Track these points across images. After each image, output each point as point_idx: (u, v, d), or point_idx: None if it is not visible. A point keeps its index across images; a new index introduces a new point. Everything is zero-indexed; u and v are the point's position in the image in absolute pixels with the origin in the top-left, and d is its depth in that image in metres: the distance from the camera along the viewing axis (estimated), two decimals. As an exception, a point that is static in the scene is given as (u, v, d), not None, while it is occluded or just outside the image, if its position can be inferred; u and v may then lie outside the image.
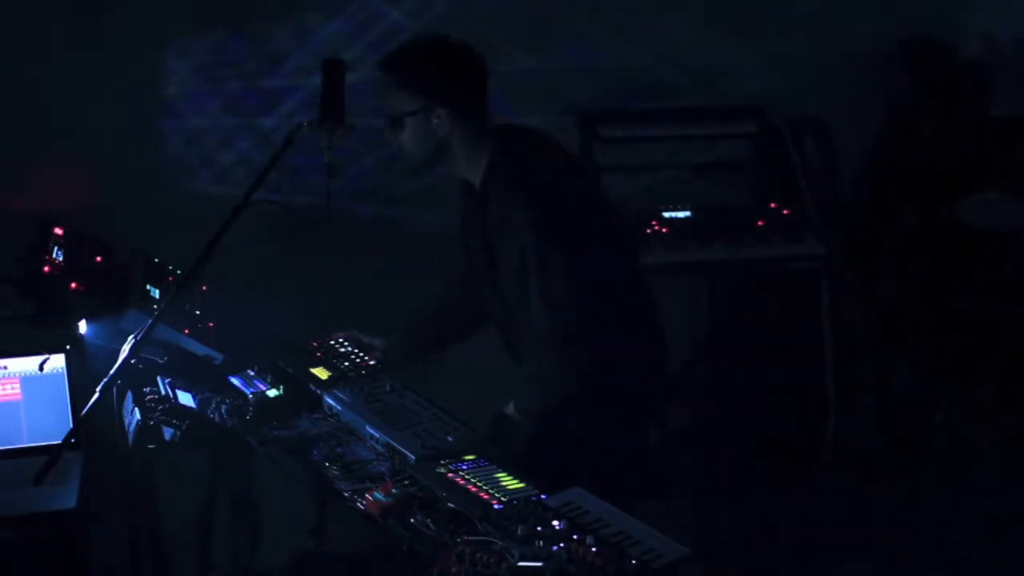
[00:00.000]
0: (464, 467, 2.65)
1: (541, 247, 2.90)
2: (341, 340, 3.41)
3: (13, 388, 3.15)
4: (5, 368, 3.15)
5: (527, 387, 2.99)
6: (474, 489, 2.54)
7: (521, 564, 2.24)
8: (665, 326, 3.20)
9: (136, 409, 3.00)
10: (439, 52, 3.05)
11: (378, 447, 2.83)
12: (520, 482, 2.58)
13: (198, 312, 3.46)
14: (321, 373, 3.18)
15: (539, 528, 2.36)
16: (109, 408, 3.01)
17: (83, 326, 3.29)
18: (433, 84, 2.99)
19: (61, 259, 3.43)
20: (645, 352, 3.11)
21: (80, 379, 3.15)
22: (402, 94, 3.02)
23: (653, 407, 3.31)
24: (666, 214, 4.54)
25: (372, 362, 3.29)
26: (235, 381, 3.21)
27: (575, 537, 2.32)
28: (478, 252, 3.12)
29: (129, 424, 3.03)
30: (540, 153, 3.10)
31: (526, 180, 2.98)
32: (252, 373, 3.24)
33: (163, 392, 3.08)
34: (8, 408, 3.14)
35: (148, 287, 3.44)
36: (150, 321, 2.87)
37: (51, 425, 3.12)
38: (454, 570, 2.24)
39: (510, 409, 3.03)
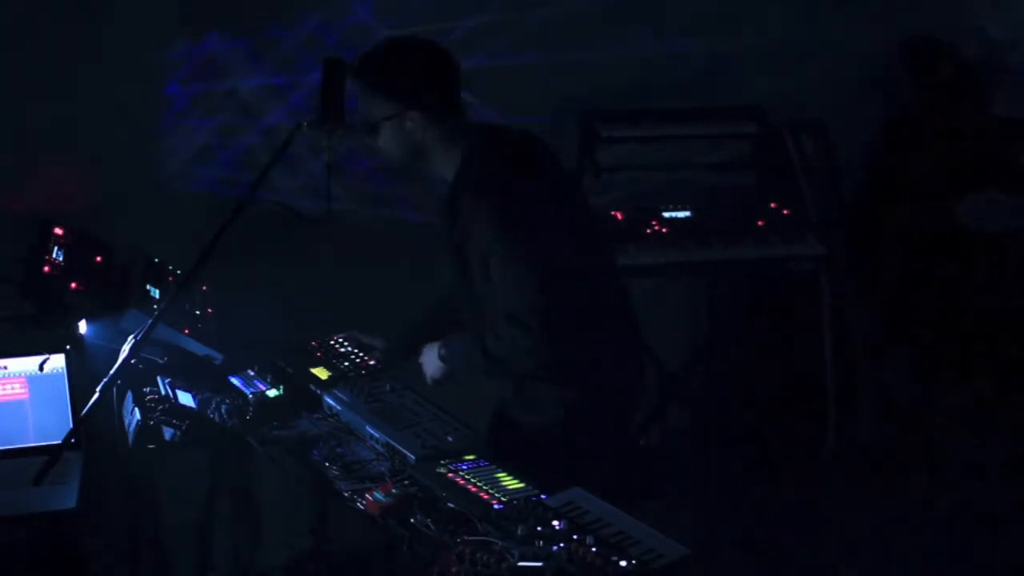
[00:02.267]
0: (464, 467, 2.66)
1: (504, 245, 2.90)
2: (341, 340, 3.41)
3: (19, 387, 3.15)
4: (5, 368, 3.15)
5: (473, 351, 3.00)
6: (474, 489, 2.54)
7: (521, 564, 2.24)
8: (639, 323, 3.22)
9: (136, 409, 3.00)
10: (408, 54, 3.05)
11: (378, 447, 2.83)
12: (520, 482, 2.58)
13: (198, 312, 3.46)
14: (321, 373, 3.18)
15: (539, 528, 2.36)
16: (109, 408, 3.01)
17: (83, 326, 3.30)
18: (404, 88, 3.00)
19: (61, 259, 3.43)
20: (616, 348, 3.12)
21: (80, 379, 3.15)
22: (374, 99, 3.03)
23: (628, 402, 3.30)
24: (666, 214, 4.53)
25: (372, 362, 3.29)
26: (235, 381, 3.21)
27: (575, 537, 2.32)
28: (450, 251, 3.12)
29: (129, 424, 3.03)
30: (509, 153, 3.08)
31: (490, 180, 2.99)
32: (252, 373, 3.24)
33: (163, 392, 3.09)
34: (14, 407, 3.14)
35: (148, 287, 3.44)
36: (150, 321, 2.87)
37: (55, 425, 3.12)
38: (454, 570, 2.24)
39: (437, 351, 3.08)
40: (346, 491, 2.65)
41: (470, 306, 3.11)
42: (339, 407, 3.03)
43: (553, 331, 2.89)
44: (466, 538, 2.36)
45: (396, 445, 2.77)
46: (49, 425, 3.13)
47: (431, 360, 3.13)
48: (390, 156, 3.09)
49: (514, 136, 3.17)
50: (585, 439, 3.02)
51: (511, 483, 2.57)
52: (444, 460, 2.69)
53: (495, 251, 2.92)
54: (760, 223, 4.57)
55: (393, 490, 2.54)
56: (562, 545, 2.30)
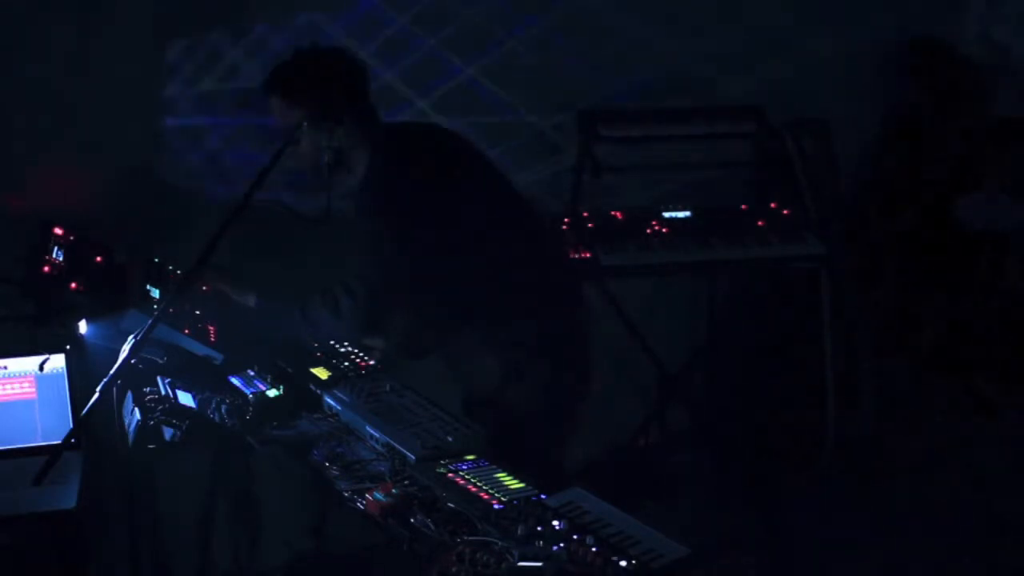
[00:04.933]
0: (464, 467, 2.66)
1: (367, 220, 3.03)
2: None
3: (28, 386, 3.15)
4: (5, 368, 3.15)
5: (296, 310, 3.13)
6: (474, 489, 2.54)
7: (521, 564, 2.24)
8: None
9: (136, 409, 3.00)
10: (316, 64, 3.12)
11: (378, 447, 2.83)
12: (520, 482, 2.58)
13: (198, 312, 3.46)
14: (321, 373, 3.18)
15: (539, 528, 2.36)
16: (109, 408, 3.01)
17: (83, 326, 3.29)
18: (316, 97, 3.06)
19: (61, 259, 3.43)
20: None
21: (80, 379, 3.15)
22: (289, 111, 3.10)
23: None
24: (666, 214, 4.53)
25: (372, 362, 3.29)
26: (235, 381, 3.21)
27: (575, 537, 2.32)
28: (370, 245, 3.17)
29: (129, 424, 3.03)
30: (408, 147, 3.14)
31: (385, 172, 3.06)
32: (252, 373, 3.24)
33: (163, 392, 3.08)
34: (22, 406, 3.14)
35: (148, 287, 3.44)
36: (150, 321, 2.87)
37: (56, 425, 3.12)
38: (454, 570, 2.24)
39: (251, 301, 3.21)
40: (346, 491, 2.65)
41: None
42: (339, 407, 3.03)
43: (377, 306, 3.03)
44: (466, 538, 2.35)
45: (396, 445, 2.77)
46: (51, 425, 3.13)
47: (242, 287, 3.25)
48: (311, 162, 3.15)
49: (420, 132, 3.28)
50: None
51: (511, 483, 2.57)
52: (444, 460, 2.69)
53: (359, 226, 3.03)
54: (760, 223, 4.57)
55: (393, 490, 2.54)
56: (562, 545, 2.30)
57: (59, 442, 2.99)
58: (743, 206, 4.67)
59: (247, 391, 3.12)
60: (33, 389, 3.15)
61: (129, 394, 3.11)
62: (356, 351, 3.35)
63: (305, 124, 3.07)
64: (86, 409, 2.73)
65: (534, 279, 3.20)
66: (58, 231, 3.51)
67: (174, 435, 2.90)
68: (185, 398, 3.06)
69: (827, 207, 4.65)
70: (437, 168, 3.15)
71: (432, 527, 2.42)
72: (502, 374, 3.14)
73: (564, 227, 4.36)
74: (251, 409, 3.01)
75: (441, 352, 3.25)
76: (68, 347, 3.20)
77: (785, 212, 4.62)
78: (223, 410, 3.01)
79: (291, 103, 3.09)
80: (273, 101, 3.13)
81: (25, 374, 3.15)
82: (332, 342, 3.29)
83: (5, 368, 3.15)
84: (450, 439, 2.80)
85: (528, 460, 2.74)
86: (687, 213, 4.56)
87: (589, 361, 3.31)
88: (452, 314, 3.14)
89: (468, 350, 3.18)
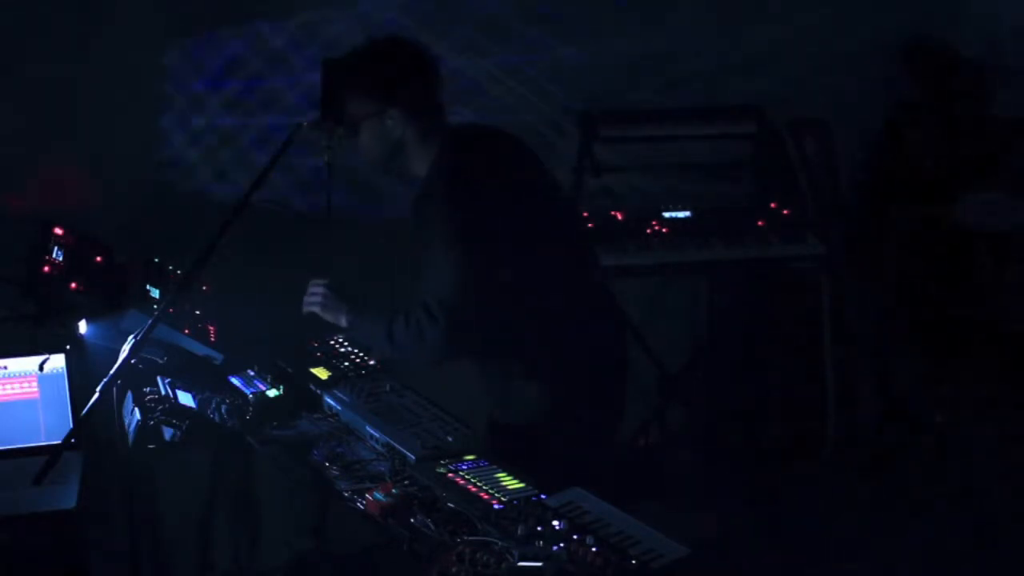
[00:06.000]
0: (464, 467, 2.66)
1: (442, 235, 2.89)
2: (341, 340, 3.41)
3: (32, 386, 3.15)
4: (5, 368, 3.15)
5: (378, 329, 3.00)
6: (474, 489, 2.54)
7: (521, 564, 2.24)
8: (624, 329, 3.21)
9: (136, 409, 3.00)
10: (386, 53, 3.07)
11: (378, 447, 2.83)
12: (520, 482, 2.58)
13: (198, 312, 3.46)
14: (321, 373, 3.18)
15: (539, 528, 2.36)
16: (109, 408, 3.01)
17: (83, 326, 3.29)
18: (383, 85, 3.02)
19: (61, 259, 3.43)
20: (580, 356, 3.07)
21: (80, 379, 3.15)
22: (354, 98, 3.05)
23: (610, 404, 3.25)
24: (666, 214, 4.54)
25: (372, 362, 3.29)
26: (235, 381, 3.21)
27: (575, 537, 2.32)
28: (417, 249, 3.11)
29: (129, 424, 3.03)
30: (478, 151, 3.08)
31: (453, 175, 2.98)
32: (252, 373, 3.24)
33: (163, 392, 3.09)
34: (25, 406, 3.14)
35: (148, 287, 3.44)
36: (150, 321, 2.87)
37: (57, 425, 3.12)
38: (454, 570, 2.24)
39: (343, 321, 3.11)
40: (346, 491, 2.65)
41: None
42: (339, 407, 3.03)
43: (460, 332, 2.88)
44: (466, 538, 2.35)
45: (396, 445, 2.77)
46: (55, 424, 3.13)
47: (335, 306, 3.14)
48: (370, 156, 3.10)
49: (488, 135, 3.18)
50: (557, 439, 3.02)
51: (511, 483, 2.57)
52: (444, 460, 2.69)
53: (432, 239, 2.92)
54: (760, 223, 4.57)
55: (393, 490, 2.54)
56: (562, 545, 2.30)
57: (56, 442, 3.00)
58: (743, 206, 4.67)
59: (247, 391, 3.12)
60: (36, 389, 3.15)
61: (129, 394, 3.11)
62: (356, 351, 3.35)
63: (366, 113, 3.00)
64: (86, 409, 2.73)
65: (584, 311, 3.12)
66: (58, 231, 3.51)
67: (174, 435, 2.90)
68: (185, 398, 3.06)
69: (827, 207, 4.65)
70: (508, 170, 3.08)
71: (432, 527, 2.42)
72: (546, 403, 3.04)
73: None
74: (251, 409, 3.01)
75: (482, 372, 3.15)
76: (68, 347, 3.20)
77: (785, 212, 4.62)
78: (223, 410, 3.01)
79: (354, 90, 3.03)
80: (337, 87, 3.06)
81: (27, 374, 3.15)
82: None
83: (5, 368, 3.15)
84: (450, 439, 2.80)
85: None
86: (687, 213, 4.56)
87: (625, 396, 3.24)
88: (504, 334, 3.01)
89: (510, 373, 3.07)
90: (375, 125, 3.04)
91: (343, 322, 3.13)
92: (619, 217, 4.49)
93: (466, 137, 3.12)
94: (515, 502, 2.47)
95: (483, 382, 3.14)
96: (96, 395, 2.73)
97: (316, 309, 3.17)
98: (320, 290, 3.17)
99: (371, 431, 2.86)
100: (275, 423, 3.00)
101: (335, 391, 3.09)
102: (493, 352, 3.05)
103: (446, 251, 2.88)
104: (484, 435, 3.04)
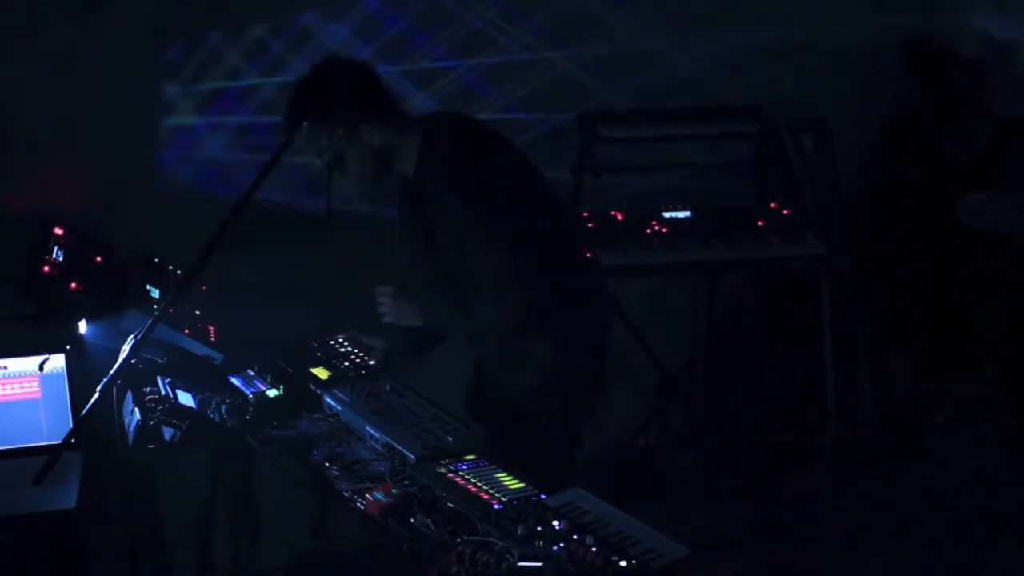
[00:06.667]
0: (464, 467, 2.66)
1: (481, 221, 3.01)
2: (341, 340, 3.42)
3: (34, 386, 3.15)
4: (5, 368, 3.15)
5: (457, 315, 3.12)
6: (474, 489, 2.54)
7: (521, 564, 2.24)
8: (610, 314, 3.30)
9: (136, 409, 3.00)
10: (327, 78, 3.12)
11: (378, 447, 2.83)
12: (520, 482, 2.58)
13: (198, 312, 3.46)
14: (321, 373, 3.18)
15: (539, 528, 2.36)
16: (109, 408, 3.01)
17: (83, 326, 3.29)
18: (343, 108, 3.07)
19: (61, 259, 3.43)
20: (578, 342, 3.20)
21: (80, 379, 3.15)
22: (324, 134, 3.09)
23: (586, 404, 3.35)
24: (666, 214, 4.53)
25: (372, 362, 3.29)
26: (235, 381, 3.21)
27: (575, 537, 2.32)
28: (410, 234, 3.20)
29: (129, 424, 3.03)
30: (466, 139, 3.18)
31: (457, 159, 3.09)
32: (252, 373, 3.24)
33: (163, 392, 3.08)
34: (27, 406, 3.14)
35: (148, 287, 3.44)
36: (150, 321, 2.87)
37: (57, 424, 3.12)
38: (454, 570, 2.24)
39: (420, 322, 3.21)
40: (346, 491, 2.65)
41: (434, 280, 3.20)
42: (339, 407, 3.03)
43: (530, 296, 3.02)
44: (466, 538, 2.36)
45: (396, 445, 2.77)
46: (56, 424, 3.13)
47: (405, 311, 3.24)
48: (362, 176, 3.15)
49: (461, 119, 3.29)
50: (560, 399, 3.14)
51: (511, 483, 2.57)
52: (444, 460, 2.69)
53: (473, 227, 3.01)
54: (760, 223, 4.57)
55: (393, 490, 2.54)
56: (562, 545, 2.30)
57: (56, 442, 3.00)
58: (743, 206, 4.67)
59: (247, 391, 3.12)
60: (38, 389, 3.15)
61: (129, 394, 3.11)
62: (356, 351, 3.35)
63: (342, 141, 3.08)
64: (86, 409, 2.73)
65: (580, 283, 3.26)
66: (58, 231, 3.51)
67: (174, 435, 2.90)
68: (185, 398, 3.06)
69: (827, 207, 4.65)
70: (498, 149, 3.21)
71: (432, 527, 2.42)
72: (541, 377, 3.14)
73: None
74: (251, 409, 3.01)
75: (481, 346, 3.25)
76: (68, 347, 3.20)
77: (785, 212, 4.62)
78: (223, 410, 3.01)
79: (320, 128, 3.08)
80: (306, 132, 3.10)
81: (27, 374, 3.15)
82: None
83: (5, 368, 3.15)
84: (450, 439, 2.80)
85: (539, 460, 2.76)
86: (687, 213, 4.56)
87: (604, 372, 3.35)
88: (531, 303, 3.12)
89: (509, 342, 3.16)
90: (355, 146, 3.10)
91: (419, 322, 3.26)
92: (619, 217, 4.48)
93: (445, 130, 3.19)
94: (515, 502, 2.47)
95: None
96: (96, 395, 2.73)
97: (391, 319, 3.30)
98: (387, 300, 3.29)
99: (371, 431, 2.86)
100: (275, 423, 3.00)
101: (335, 391, 3.09)
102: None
103: (492, 236, 3.00)
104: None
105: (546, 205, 3.24)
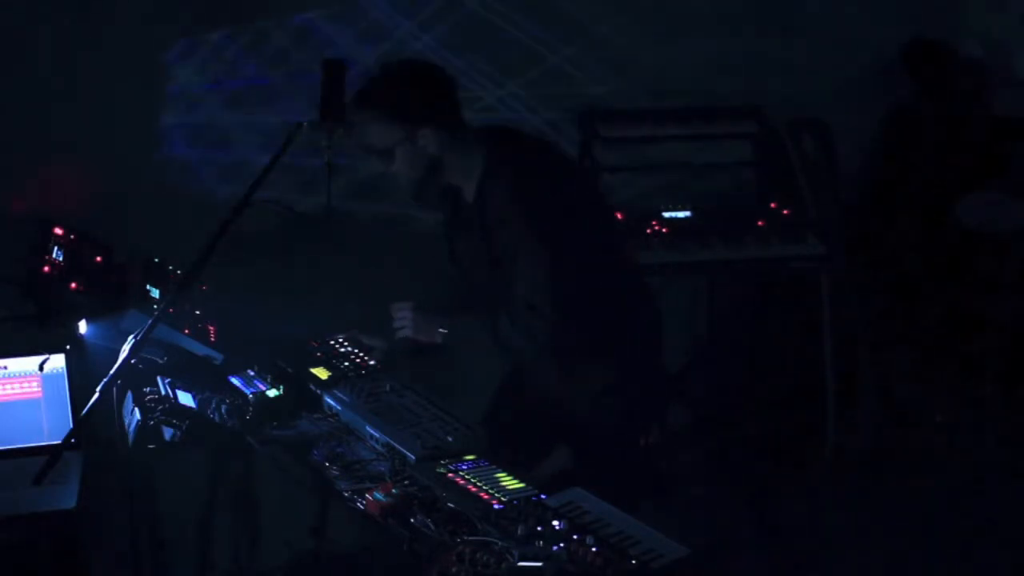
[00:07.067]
0: (464, 467, 2.66)
1: (532, 234, 2.98)
2: (341, 340, 3.42)
3: (35, 386, 3.15)
4: (5, 368, 3.15)
5: (527, 340, 3.07)
6: (474, 489, 2.54)
7: (521, 564, 2.24)
8: (664, 325, 3.25)
9: (136, 409, 3.00)
10: (405, 75, 3.11)
11: (378, 447, 2.83)
12: (520, 482, 2.58)
13: (198, 312, 3.46)
14: (321, 373, 3.18)
15: (539, 528, 2.36)
16: (109, 408, 3.01)
17: (83, 326, 3.29)
18: (410, 107, 3.06)
19: (61, 259, 3.43)
20: (638, 349, 3.19)
21: (80, 379, 3.15)
22: (384, 126, 3.07)
23: (651, 404, 3.36)
24: (666, 214, 4.54)
25: (372, 362, 3.29)
26: (235, 381, 3.21)
27: (575, 537, 2.32)
28: (476, 256, 3.17)
29: (129, 424, 3.03)
30: (534, 155, 3.17)
31: (523, 180, 3.05)
32: (252, 373, 3.24)
33: (163, 392, 3.08)
34: (28, 406, 3.14)
35: (148, 287, 3.44)
36: (150, 321, 2.87)
37: (57, 424, 3.12)
38: (454, 570, 2.24)
39: (439, 338, 3.18)
40: (346, 491, 2.65)
41: (491, 294, 3.17)
42: (339, 407, 3.03)
43: (567, 320, 2.98)
44: (466, 538, 2.36)
45: (396, 445, 2.77)
46: (57, 424, 3.13)
47: (426, 326, 3.21)
48: (406, 179, 3.14)
49: (527, 136, 3.28)
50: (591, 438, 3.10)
51: (511, 483, 2.57)
52: (444, 460, 2.69)
53: (523, 239, 2.99)
54: (760, 223, 4.57)
55: (393, 490, 2.54)
56: (562, 545, 2.30)
57: (57, 442, 3.00)
58: (743, 206, 4.67)
59: (247, 391, 3.12)
60: (39, 389, 3.15)
61: (129, 394, 3.11)
62: (356, 351, 3.35)
63: (397, 139, 3.06)
64: (86, 409, 2.73)
65: (630, 292, 3.25)
66: (58, 231, 3.51)
67: (174, 435, 2.90)
68: (185, 398, 3.05)
69: (827, 207, 4.65)
70: (570, 167, 3.25)
71: (432, 527, 2.42)
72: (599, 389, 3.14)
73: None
74: (251, 409, 3.01)
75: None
76: (68, 347, 3.20)
77: (785, 212, 4.62)
78: (223, 410, 3.00)
79: (381, 118, 3.06)
80: (364, 119, 3.08)
81: (28, 374, 3.15)
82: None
83: (5, 368, 3.15)
84: (450, 439, 2.80)
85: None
86: (687, 213, 4.56)
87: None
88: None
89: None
90: (408, 148, 3.08)
91: (438, 339, 3.20)
92: (619, 217, 4.48)
93: (512, 145, 3.18)
94: (515, 502, 2.47)
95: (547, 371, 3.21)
96: (96, 395, 2.73)
97: (409, 333, 3.25)
98: (407, 314, 3.25)
99: (371, 431, 2.86)
100: (275, 423, 3.00)
101: (335, 391, 3.08)
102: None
103: (538, 251, 2.97)
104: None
105: (604, 220, 3.25)
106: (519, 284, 3.02)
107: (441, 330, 3.20)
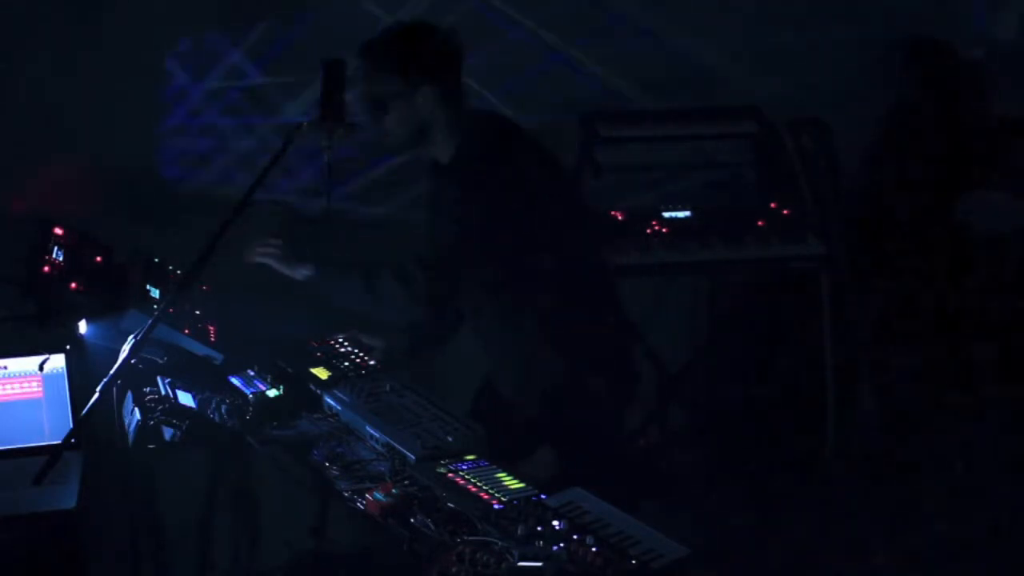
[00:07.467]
0: (464, 467, 2.66)
1: (466, 205, 3.05)
2: (341, 340, 3.42)
3: (36, 386, 3.15)
4: (5, 368, 3.15)
5: (359, 285, 3.19)
6: (474, 489, 2.54)
7: (521, 564, 2.24)
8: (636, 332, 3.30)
9: (136, 409, 3.00)
10: (417, 33, 3.16)
11: (378, 447, 2.83)
12: (520, 482, 2.58)
13: (198, 312, 3.46)
14: (321, 373, 3.18)
15: (539, 528, 2.36)
16: (109, 408, 3.01)
17: (83, 326, 3.29)
18: (415, 63, 3.10)
19: (61, 259, 3.43)
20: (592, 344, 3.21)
21: (80, 379, 3.15)
22: (385, 77, 3.11)
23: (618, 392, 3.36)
24: (666, 214, 4.53)
25: (372, 362, 3.29)
26: (235, 381, 3.21)
27: (575, 537, 2.32)
28: (447, 224, 3.19)
29: (129, 424, 3.03)
30: (509, 140, 3.21)
31: (492, 154, 3.12)
32: (252, 373, 3.24)
33: (163, 392, 3.08)
34: (28, 406, 3.14)
35: (148, 287, 3.44)
36: (150, 321, 2.87)
37: (58, 424, 3.12)
38: (454, 570, 2.24)
39: (300, 275, 3.23)
40: (346, 491, 2.65)
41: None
42: (339, 407, 3.03)
43: (444, 283, 3.08)
44: (466, 538, 2.36)
45: (396, 445, 2.77)
46: (58, 424, 3.13)
47: (291, 260, 3.27)
48: (394, 135, 3.17)
49: (510, 122, 3.32)
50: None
51: (511, 483, 2.57)
52: (444, 460, 2.69)
53: (457, 203, 3.07)
54: (760, 223, 4.57)
55: (393, 490, 2.54)
56: (562, 545, 2.30)
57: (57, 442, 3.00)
58: (743, 206, 4.66)
59: (247, 391, 3.12)
60: (40, 389, 3.15)
61: (129, 394, 3.11)
62: (356, 351, 3.35)
63: (395, 92, 3.10)
64: (86, 409, 2.73)
65: (599, 284, 3.28)
66: (58, 231, 3.51)
67: (174, 435, 2.90)
68: (185, 398, 3.06)
69: (827, 207, 4.65)
70: (532, 153, 3.23)
71: (432, 527, 2.42)
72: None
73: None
74: (251, 409, 3.01)
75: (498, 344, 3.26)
76: (68, 347, 3.20)
77: (785, 212, 4.62)
78: (223, 410, 3.01)
79: (386, 69, 3.11)
80: (367, 67, 3.14)
81: (28, 374, 3.15)
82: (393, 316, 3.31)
83: (5, 368, 3.15)
84: (450, 439, 2.80)
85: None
86: (687, 213, 4.56)
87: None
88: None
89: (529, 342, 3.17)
90: (405, 103, 3.11)
91: (299, 275, 3.24)
92: (619, 217, 4.48)
93: (493, 126, 3.24)
94: (515, 502, 2.47)
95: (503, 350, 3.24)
96: (96, 395, 2.73)
97: (271, 261, 3.26)
98: (276, 242, 3.26)
99: (371, 431, 2.86)
100: (275, 423, 3.00)
101: (335, 391, 3.08)
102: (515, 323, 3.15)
103: (462, 223, 3.04)
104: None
105: (571, 213, 3.26)
106: (431, 240, 3.08)
107: (304, 271, 3.24)
